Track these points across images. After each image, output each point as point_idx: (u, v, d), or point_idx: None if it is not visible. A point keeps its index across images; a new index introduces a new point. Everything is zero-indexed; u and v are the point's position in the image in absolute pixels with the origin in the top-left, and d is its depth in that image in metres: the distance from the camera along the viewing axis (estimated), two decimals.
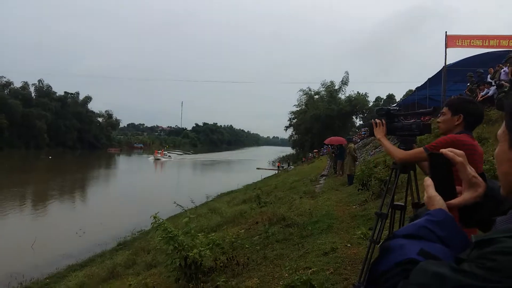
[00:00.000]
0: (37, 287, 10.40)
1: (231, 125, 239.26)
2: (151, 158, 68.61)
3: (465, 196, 1.01)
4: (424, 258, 0.78)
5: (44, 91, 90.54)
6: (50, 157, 65.14)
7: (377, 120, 2.81)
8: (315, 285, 3.80)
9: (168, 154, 77.22)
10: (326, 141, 21.69)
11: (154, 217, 4.33)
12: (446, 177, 0.99)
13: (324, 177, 18.76)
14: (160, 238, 4.30)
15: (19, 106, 77.82)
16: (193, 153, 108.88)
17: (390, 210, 2.87)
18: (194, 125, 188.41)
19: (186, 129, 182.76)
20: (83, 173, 46.36)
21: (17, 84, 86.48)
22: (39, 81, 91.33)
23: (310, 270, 4.30)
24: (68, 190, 33.06)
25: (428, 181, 1.01)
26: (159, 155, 70.91)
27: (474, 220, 1.05)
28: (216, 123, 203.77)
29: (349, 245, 5.23)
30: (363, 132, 38.53)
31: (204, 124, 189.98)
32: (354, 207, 8.32)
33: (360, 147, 27.44)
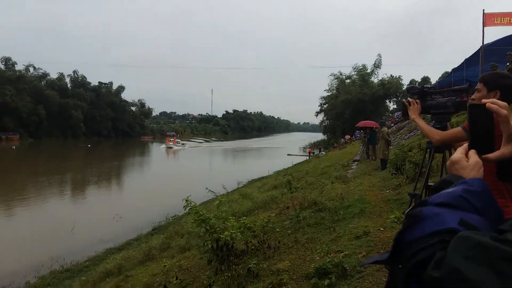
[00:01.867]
0: (77, 270, 10.88)
1: (261, 112, 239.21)
2: (163, 146, 65.36)
3: (503, 150, 0.98)
4: (465, 228, 0.74)
5: (79, 82, 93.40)
6: (89, 145, 67.50)
7: (410, 99, 2.71)
8: (347, 268, 3.77)
9: (182, 142, 73.37)
10: (357, 125, 21.34)
11: (186, 200, 4.40)
12: (487, 130, 0.95)
13: (356, 162, 18.48)
14: (192, 220, 4.38)
15: (56, 97, 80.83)
16: (215, 141, 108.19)
17: (424, 191, 2.78)
18: (224, 113, 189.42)
19: (216, 116, 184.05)
20: (119, 161, 47.82)
21: (53, 75, 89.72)
22: (74, 72, 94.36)
23: (342, 254, 4.27)
24: (105, 177, 34.22)
25: (463, 150, 0.97)
26: (171, 143, 67.23)
27: (510, 175, 1.05)
28: (246, 110, 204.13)
29: (382, 229, 5.14)
30: (396, 116, 37.58)
31: (234, 111, 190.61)
32: (388, 191, 8.16)
33: (394, 131, 26.78)
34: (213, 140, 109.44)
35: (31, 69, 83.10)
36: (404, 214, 4.96)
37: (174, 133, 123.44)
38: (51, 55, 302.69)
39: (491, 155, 0.95)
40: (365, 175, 12.53)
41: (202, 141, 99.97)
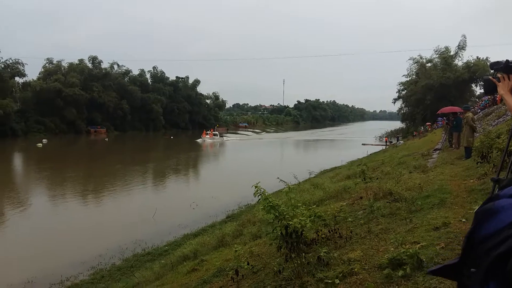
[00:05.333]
0: (157, 253, 11.61)
1: (334, 101, 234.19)
2: (200, 139, 61.68)
3: None
4: None
5: (158, 77, 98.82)
6: (171, 137, 71.31)
7: (499, 75, 2.42)
8: (423, 260, 3.54)
9: (221, 135, 68.22)
10: (440, 111, 19.97)
11: (256, 187, 4.43)
12: None
13: (437, 151, 17.37)
14: (261, 207, 4.41)
15: (138, 92, 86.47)
16: (269, 132, 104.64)
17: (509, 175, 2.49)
18: (296, 102, 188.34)
19: (288, 106, 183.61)
20: (196, 151, 50.03)
21: (135, 71, 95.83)
22: (154, 67, 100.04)
23: (419, 245, 4.02)
24: (183, 166, 36.02)
25: None
26: (208, 136, 63.28)
27: None
28: (319, 99, 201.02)
29: (464, 220, 4.76)
30: (483, 102, 34.59)
31: (306, 100, 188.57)
32: (472, 181, 7.56)
33: (480, 118, 24.66)
34: (268, 132, 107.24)
35: (115, 66, 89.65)
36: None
37: (246, 124, 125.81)
38: (133, 53, 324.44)
39: None
40: (447, 164, 11.74)
41: (251, 133, 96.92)
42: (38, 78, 74.93)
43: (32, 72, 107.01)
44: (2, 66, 63.62)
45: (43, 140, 54.17)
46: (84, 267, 11.09)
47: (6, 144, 52.64)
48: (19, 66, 65.50)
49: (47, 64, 78.72)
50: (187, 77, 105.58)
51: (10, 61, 64.35)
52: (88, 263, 11.35)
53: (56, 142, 57.67)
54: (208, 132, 64.62)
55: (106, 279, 10.00)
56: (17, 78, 67.41)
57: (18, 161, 41.80)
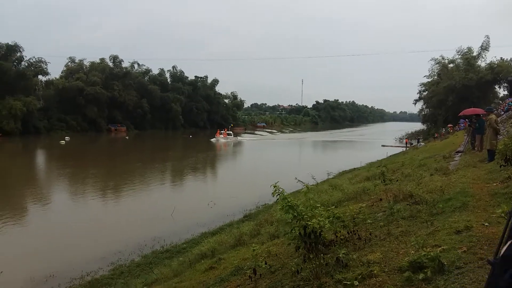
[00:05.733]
0: (176, 250, 11.74)
1: (353, 101, 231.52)
2: (214, 139, 61.05)
3: None
4: None
5: (178, 76, 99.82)
6: (190, 135, 71.87)
7: None
8: (445, 263, 3.48)
9: (238, 135, 68.08)
10: (462, 113, 19.59)
11: (274, 186, 4.44)
12: None
13: (459, 154, 17.02)
14: (279, 207, 4.41)
15: (158, 91, 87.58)
16: (285, 133, 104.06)
17: None
18: (315, 103, 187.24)
19: (306, 107, 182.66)
20: (213, 150, 50.35)
21: (155, 71, 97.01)
22: (173, 67, 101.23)
23: (440, 248, 3.95)
24: (201, 165, 36.31)
25: None
26: (222, 135, 62.86)
27: None
28: (337, 100, 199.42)
29: (486, 224, 4.66)
30: (507, 104, 33.70)
31: (325, 101, 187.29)
32: (495, 184, 7.38)
33: (503, 120, 24.05)
34: (284, 132, 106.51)
35: (136, 65, 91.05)
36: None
37: (264, 123, 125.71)
38: (154, 52, 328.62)
39: None
40: (469, 167, 11.49)
41: (267, 133, 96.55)
42: (61, 77, 76.68)
43: (53, 71, 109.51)
44: (26, 64, 65.35)
45: (66, 137, 55.40)
46: (104, 262, 11.30)
47: (30, 141, 54.06)
48: (42, 64, 67.00)
49: (69, 63, 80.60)
50: (206, 77, 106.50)
51: (34, 59, 66.02)
52: (107, 258, 11.56)
53: (78, 139, 58.86)
54: (222, 131, 64.37)
55: (126, 275, 10.16)
56: (40, 77, 69.08)
57: (43, 157, 42.91)
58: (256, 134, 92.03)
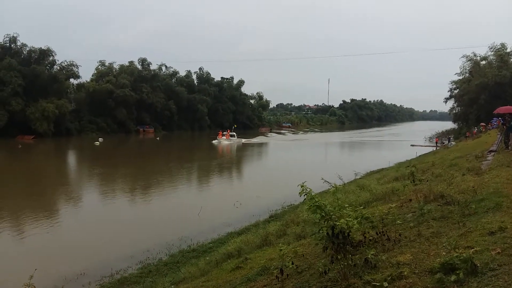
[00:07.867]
0: (202, 250, 11.87)
1: (381, 100, 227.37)
2: (216, 141, 59.21)
3: None
4: None
5: (204, 78, 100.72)
6: (218, 137, 72.02)
7: None
8: (478, 265, 3.37)
9: (237, 137, 63.30)
10: (496, 111, 18.93)
11: (301, 186, 4.41)
12: None
13: (492, 153, 16.44)
14: (307, 207, 4.38)
15: (184, 93, 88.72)
16: (307, 132, 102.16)
17: None
18: (341, 102, 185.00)
19: (333, 106, 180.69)
20: (240, 151, 50.56)
21: (182, 73, 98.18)
22: (200, 69, 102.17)
23: (472, 249, 3.83)
24: (227, 165, 36.54)
25: None
26: (224, 137, 60.79)
27: None
28: (365, 99, 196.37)
29: None
30: None
31: (352, 100, 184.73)
32: None
33: None
34: (305, 131, 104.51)
35: (163, 68, 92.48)
36: None
37: (289, 124, 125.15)
38: (181, 53, 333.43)
39: None
40: (502, 166, 11.08)
41: (287, 132, 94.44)
42: (91, 80, 78.81)
43: (84, 74, 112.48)
44: (58, 68, 67.38)
45: (100, 139, 56.96)
46: (133, 261, 11.53)
47: (62, 143, 55.80)
48: (73, 68, 68.86)
49: (99, 66, 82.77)
50: (232, 78, 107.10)
51: (65, 63, 68.10)
52: (136, 257, 11.80)
53: (110, 140, 60.34)
54: (224, 133, 62.85)
55: (154, 274, 10.34)
56: (71, 80, 71.09)
57: (80, 158, 44.28)
58: (266, 136, 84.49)
